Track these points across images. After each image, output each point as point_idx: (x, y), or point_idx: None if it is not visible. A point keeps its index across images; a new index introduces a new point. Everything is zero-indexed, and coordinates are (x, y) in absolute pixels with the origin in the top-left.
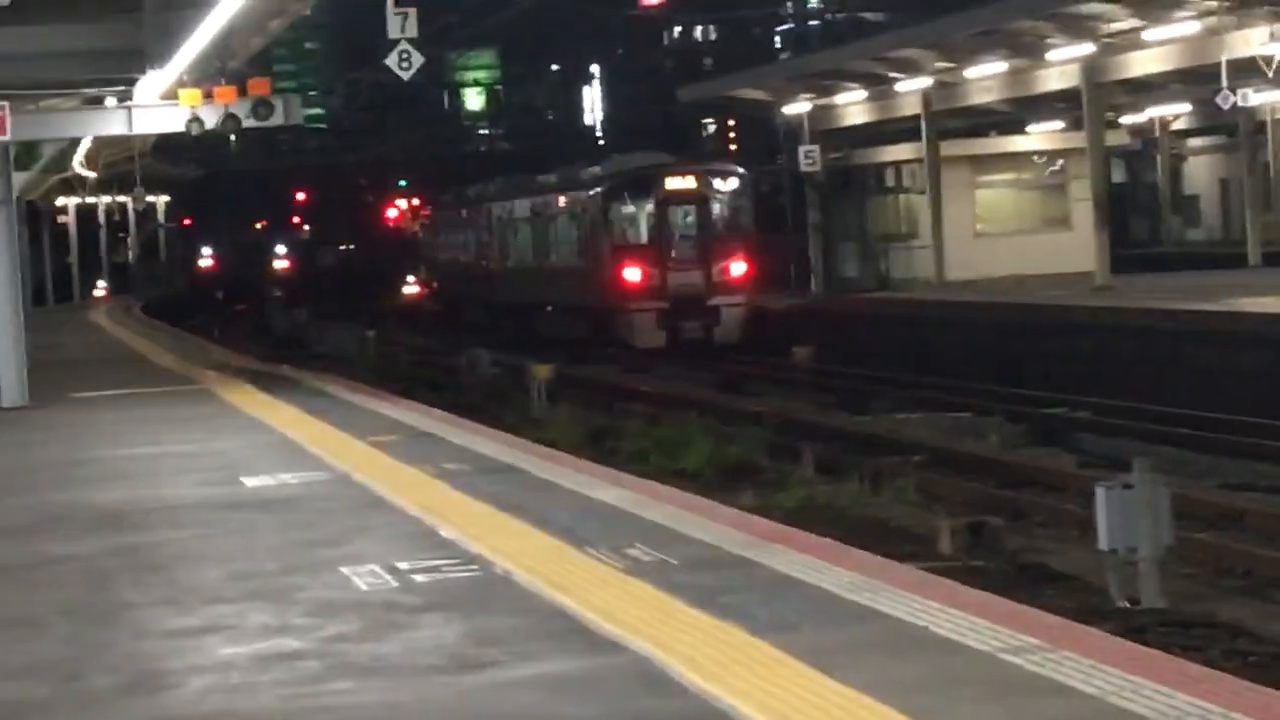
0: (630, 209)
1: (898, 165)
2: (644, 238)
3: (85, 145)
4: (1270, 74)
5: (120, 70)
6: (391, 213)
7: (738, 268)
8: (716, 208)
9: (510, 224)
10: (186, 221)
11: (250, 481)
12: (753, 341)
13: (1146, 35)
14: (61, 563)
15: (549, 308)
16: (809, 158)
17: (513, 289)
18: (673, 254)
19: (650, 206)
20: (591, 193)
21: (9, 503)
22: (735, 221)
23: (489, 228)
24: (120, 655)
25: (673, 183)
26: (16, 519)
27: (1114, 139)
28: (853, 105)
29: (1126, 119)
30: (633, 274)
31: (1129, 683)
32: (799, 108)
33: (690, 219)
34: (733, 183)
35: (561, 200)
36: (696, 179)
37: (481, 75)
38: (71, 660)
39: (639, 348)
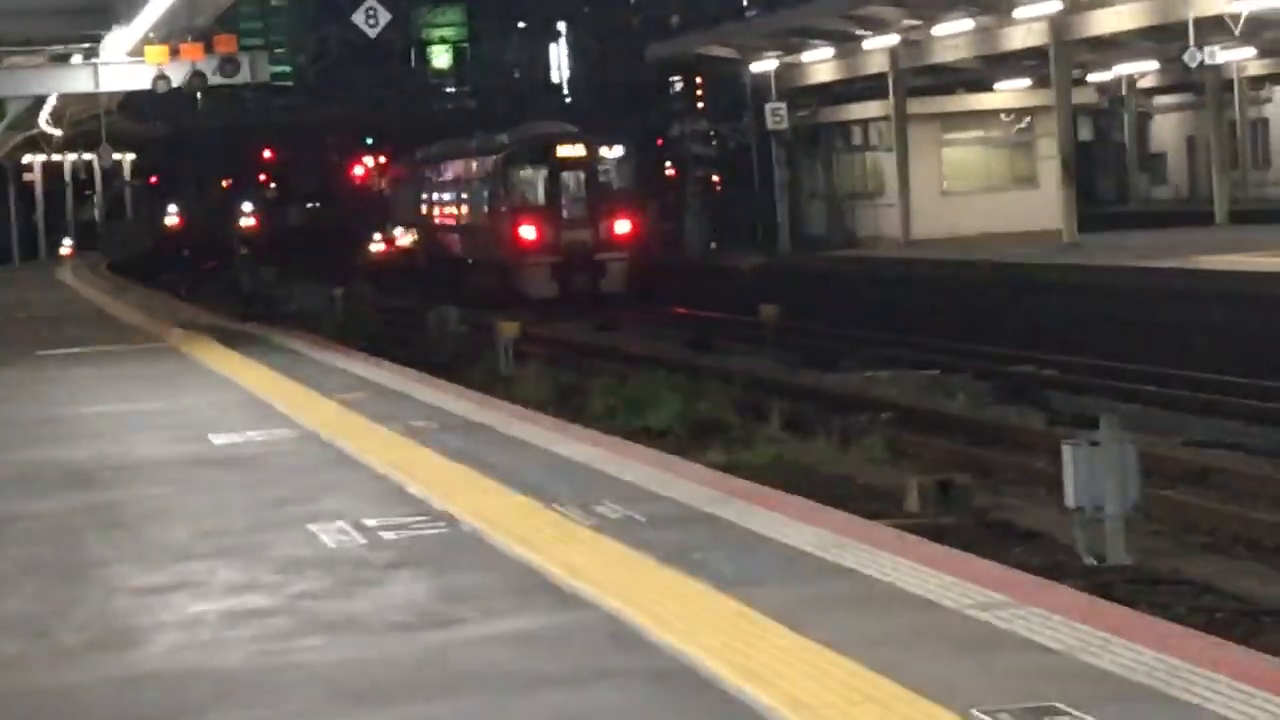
0: (528, 173)
1: (865, 123)
2: (539, 199)
3: (51, 103)
4: (1237, 31)
5: (87, 27)
6: (358, 170)
7: (622, 226)
8: (603, 173)
9: (440, 185)
10: (153, 179)
11: (218, 439)
12: (639, 293)
13: None
14: (29, 520)
15: (470, 261)
16: (776, 115)
17: (442, 245)
18: (564, 214)
19: (544, 171)
20: (495, 158)
21: None
22: (620, 186)
23: (426, 188)
24: (89, 612)
25: (564, 150)
26: None
27: (1081, 97)
28: (820, 63)
29: (1094, 77)
30: (528, 231)
31: (1097, 638)
32: (766, 65)
33: (580, 183)
34: (618, 151)
35: (474, 164)
36: (585, 147)
37: (448, 32)
38: (40, 617)
39: (533, 297)
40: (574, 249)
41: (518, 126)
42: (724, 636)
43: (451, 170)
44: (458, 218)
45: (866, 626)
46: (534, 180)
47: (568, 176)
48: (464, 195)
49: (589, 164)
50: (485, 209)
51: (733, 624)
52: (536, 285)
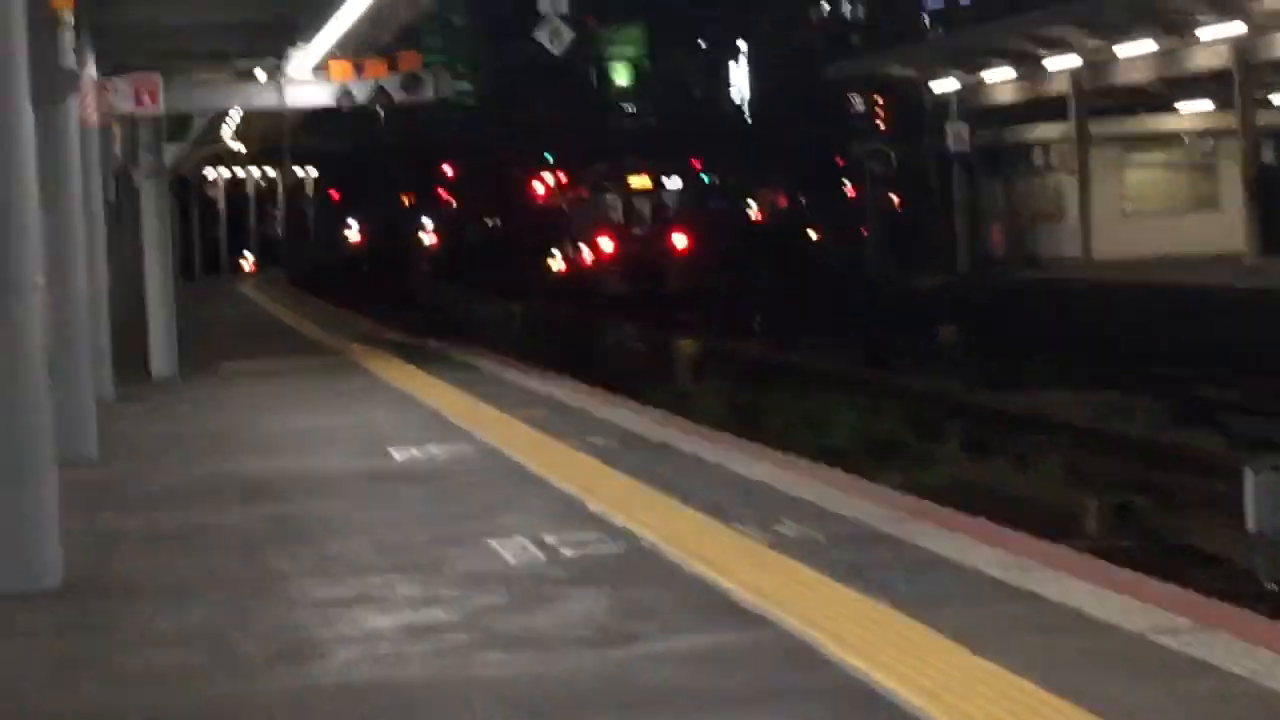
0: (610, 197)
1: (1046, 144)
2: (616, 218)
3: (235, 118)
4: None
5: (272, 43)
6: (538, 188)
7: (679, 240)
8: (666, 198)
9: (579, 206)
10: (335, 195)
11: (398, 454)
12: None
13: None
14: (212, 532)
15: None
16: (957, 136)
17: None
18: (634, 230)
19: (620, 196)
20: (587, 185)
21: (160, 472)
22: (679, 208)
23: (576, 207)
24: (271, 624)
25: (635, 180)
26: (168, 488)
27: (1265, 119)
28: (1001, 83)
29: (1278, 99)
30: (606, 243)
31: None
32: (947, 85)
33: (646, 205)
34: (678, 181)
35: (581, 190)
36: (650, 178)
37: (629, 51)
38: (222, 628)
39: (609, 293)
40: (642, 256)
41: (610, 162)
42: (903, 656)
43: (574, 193)
44: (579, 233)
45: (1046, 649)
46: (613, 203)
47: (637, 200)
48: (581, 214)
49: (654, 192)
50: (584, 225)
51: (912, 644)
52: (611, 285)
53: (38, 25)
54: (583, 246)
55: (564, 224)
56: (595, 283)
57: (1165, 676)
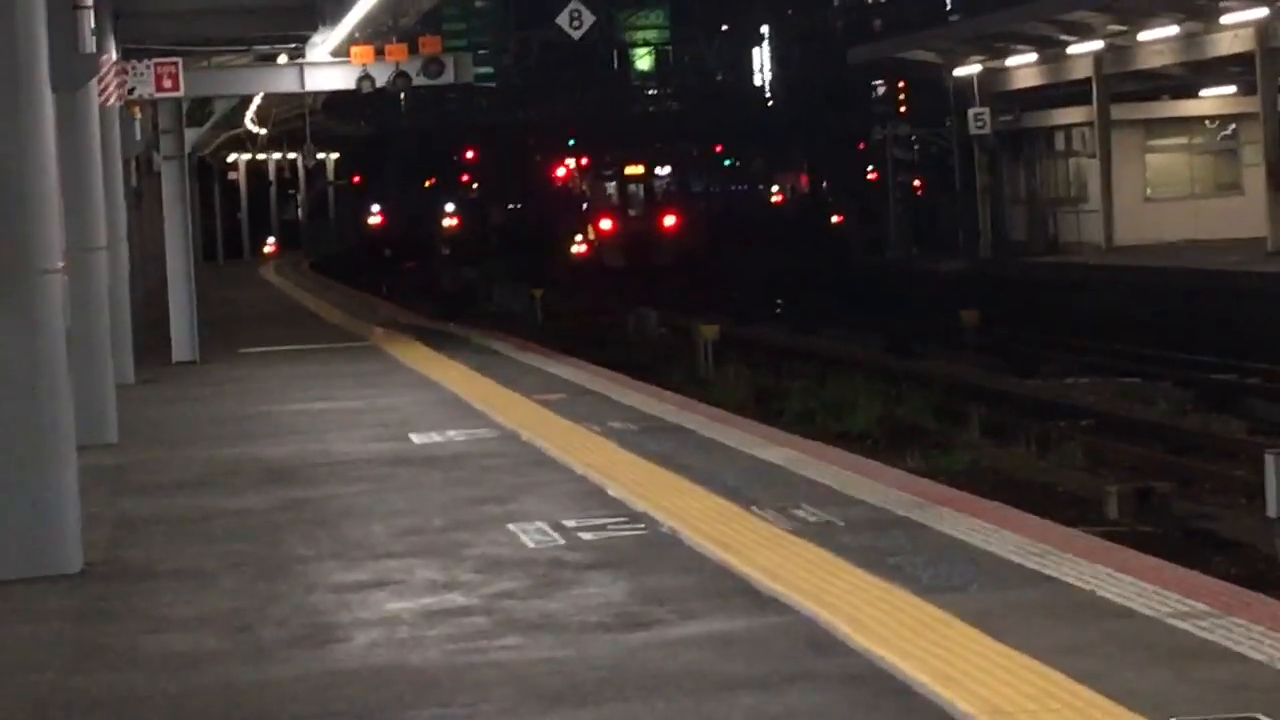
0: (609, 183)
1: (1068, 128)
2: (614, 200)
3: (256, 102)
4: None
5: (293, 27)
6: (560, 172)
7: (670, 219)
8: (658, 183)
9: (592, 189)
10: (356, 179)
11: (418, 438)
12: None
13: None
14: (231, 516)
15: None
16: (979, 120)
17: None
18: (630, 211)
19: (616, 182)
20: (587, 171)
21: (180, 456)
22: (670, 191)
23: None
24: (289, 608)
25: (630, 168)
26: (187, 473)
27: None
28: (1023, 68)
29: None
30: (606, 223)
31: None
32: (969, 70)
33: (640, 190)
34: (668, 168)
35: (586, 175)
36: (644, 165)
37: (651, 35)
38: (241, 612)
39: (610, 267)
40: (636, 235)
41: (613, 150)
42: (922, 642)
43: (591, 178)
44: (584, 213)
45: (1065, 634)
46: (612, 187)
47: (633, 185)
48: (584, 197)
49: (648, 177)
50: (587, 207)
51: (931, 629)
52: (610, 259)
53: (57, 9)
54: (592, 227)
55: (583, 207)
56: (597, 258)
57: (1182, 661)
